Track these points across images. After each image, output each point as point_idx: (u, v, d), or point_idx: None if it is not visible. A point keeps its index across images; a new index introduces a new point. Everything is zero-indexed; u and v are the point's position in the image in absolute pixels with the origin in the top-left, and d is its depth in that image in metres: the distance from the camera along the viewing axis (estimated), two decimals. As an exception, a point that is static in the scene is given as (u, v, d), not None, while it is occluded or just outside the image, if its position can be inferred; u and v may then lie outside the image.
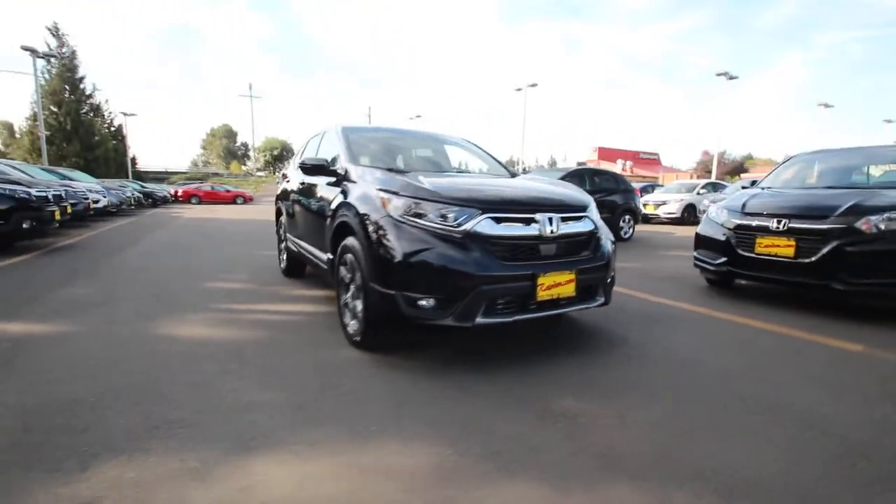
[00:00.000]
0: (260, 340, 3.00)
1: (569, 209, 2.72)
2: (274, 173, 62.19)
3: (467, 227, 2.39)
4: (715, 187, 15.14)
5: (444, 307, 2.34)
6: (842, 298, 3.70)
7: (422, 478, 1.59)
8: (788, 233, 3.71)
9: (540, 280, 2.44)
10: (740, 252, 4.02)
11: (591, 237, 2.81)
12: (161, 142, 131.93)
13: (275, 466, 1.63)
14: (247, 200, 29.85)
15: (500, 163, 4.09)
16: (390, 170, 3.07)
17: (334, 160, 3.46)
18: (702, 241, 4.51)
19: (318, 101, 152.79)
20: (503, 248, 2.43)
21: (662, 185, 18.51)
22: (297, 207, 4.28)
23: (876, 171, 4.45)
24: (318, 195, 3.56)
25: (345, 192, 3.02)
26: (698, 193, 14.56)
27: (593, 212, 2.92)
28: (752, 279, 4.16)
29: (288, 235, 4.78)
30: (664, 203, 14.38)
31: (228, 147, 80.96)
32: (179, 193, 28.22)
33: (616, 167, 42.08)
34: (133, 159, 43.21)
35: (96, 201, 11.70)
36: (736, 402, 2.17)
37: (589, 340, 3.05)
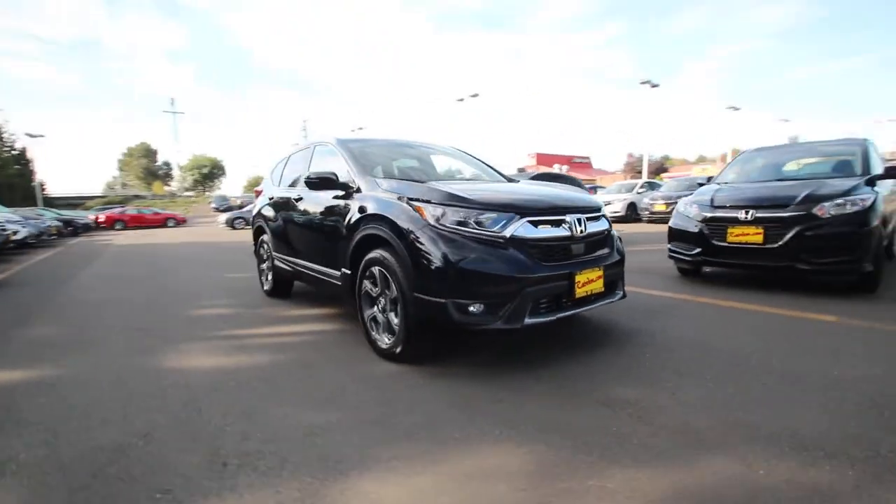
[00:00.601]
0: (282, 364, 2.88)
1: (590, 210, 2.88)
2: (204, 192, 58.52)
3: (509, 231, 2.47)
4: (651, 186, 16.38)
5: (494, 311, 2.39)
6: (804, 277, 4.18)
7: (529, 476, 1.63)
8: (756, 222, 4.15)
9: (577, 278, 2.57)
10: (713, 242, 4.43)
11: (608, 235, 3.00)
12: (70, 165, 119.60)
13: (381, 485, 1.60)
14: (179, 222, 27.90)
15: (496, 170, 4.22)
16: (412, 179, 3.08)
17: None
18: (675, 235, 4.90)
19: (247, 113, 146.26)
20: (541, 250, 2.53)
21: (604, 187, 19.70)
22: (291, 225, 4.14)
23: (807, 164, 5.09)
24: (325, 211, 3.47)
25: (363, 205, 2.99)
26: (638, 192, 15.67)
27: (605, 212, 3.11)
28: (725, 266, 4.59)
29: (275, 255, 4.58)
30: (609, 203, 15.32)
31: (148, 167, 75.13)
32: (102, 219, 25.77)
33: (553, 171, 43.97)
34: (41, 184, 38.91)
35: (15, 233, 10.44)
36: (762, 376, 2.41)
37: (605, 335, 3.22)
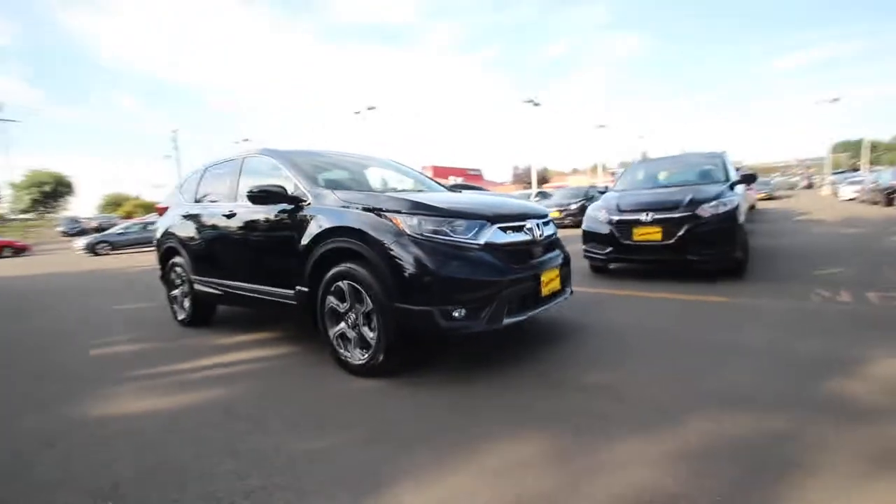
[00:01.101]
0: (243, 395, 2.63)
1: (542, 216, 3.14)
2: (47, 214, 49.11)
3: (483, 238, 2.59)
4: (544, 195, 17.91)
5: (476, 315, 2.48)
6: (692, 266, 4.98)
7: (548, 463, 1.75)
8: (655, 223, 4.86)
9: (542, 278, 2.79)
10: (622, 241, 5.07)
11: (557, 238, 3.29)
12: None
13: (420, 496, 1.59)
14: (20, 250, 23.08)
15: (433, 180, 4.34)
16: (371, 190, 3.05)
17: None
18: (589, 236, 5.49)
19: (103, 124, 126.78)
20: (510, 255, 2.70)
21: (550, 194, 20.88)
22: (220, 244, 3.78)
23: (683, 173, 6.10)
24: (271, 226, 3.24)
25: (322, 218, 2.88)
26: (533, 201, 17.04)
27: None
28: (632, 261, 5.26)
29: (195, 278, 4.12)
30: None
31: (-36, 185, 60.92)
32: None
33: (450, 183, 45.55)
34: None
35: None
36: (696, 351, 2.85)
37: (559, 330, 3.50)
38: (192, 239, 4.14)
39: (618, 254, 5.14)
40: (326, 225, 2.82)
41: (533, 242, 2.88)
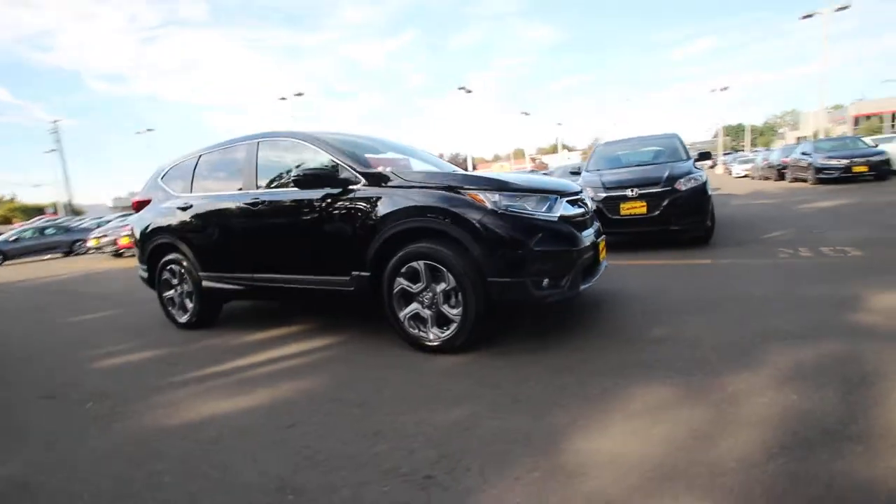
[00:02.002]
0: (324, 385, 2.56)
1: (579, 193, 3.35)
2: None
3: (559, 211, 2.73)
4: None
5: (558, 284, 2.63)
6: (675, 235, 5.53)
7: (692, 398, 1.96)
8: (640, 197, 5.33)
9: (600, 246, 3.00)
10: (611, 216, 5.48)
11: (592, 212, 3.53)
12: None
13: (596, 443, 1.72)
14: None
15: (444, 163, 4.39)
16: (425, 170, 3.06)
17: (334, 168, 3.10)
18: (576, 214, 5.86)
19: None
20: (576, 226, 2.87)
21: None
22: (247, 236, 3.52)
23: (651, 151, 6.70)
24: (319, 212, 3.09)
25: (389, 199, 2.82)
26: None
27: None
28: (621, 234, 5.71)
29: (204, 274, 3.80)
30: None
31: None
32: None
33: (377, 173, 44.80)
34: None
35: None
36: (731, 302, 3.24)
37: (586, 299, 3.76)
38: (198, 232, 3.80)
39: (608, 228, 5.51)
40: (399, 205, 2.78)
41: (587, 214, 3.08)
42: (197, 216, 3.81)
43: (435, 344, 2.76)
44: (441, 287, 2.70)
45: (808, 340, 2.43)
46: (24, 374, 3.33)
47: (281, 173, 3.47)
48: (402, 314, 2.86)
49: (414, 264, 2.76)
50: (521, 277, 2.53)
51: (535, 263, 2.54)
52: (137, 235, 4.35)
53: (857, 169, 11.55)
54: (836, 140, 15.01)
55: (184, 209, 3.91)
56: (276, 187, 3.44)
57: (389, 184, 2.91)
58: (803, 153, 13.58)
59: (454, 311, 2.69)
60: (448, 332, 2.72)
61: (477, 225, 2.57)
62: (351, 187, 3.00)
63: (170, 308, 4.18)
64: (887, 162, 11.44)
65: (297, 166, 3.34)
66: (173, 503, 1.63)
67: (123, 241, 12.17)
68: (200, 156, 4.04)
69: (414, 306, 2.83)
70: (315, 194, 3.12)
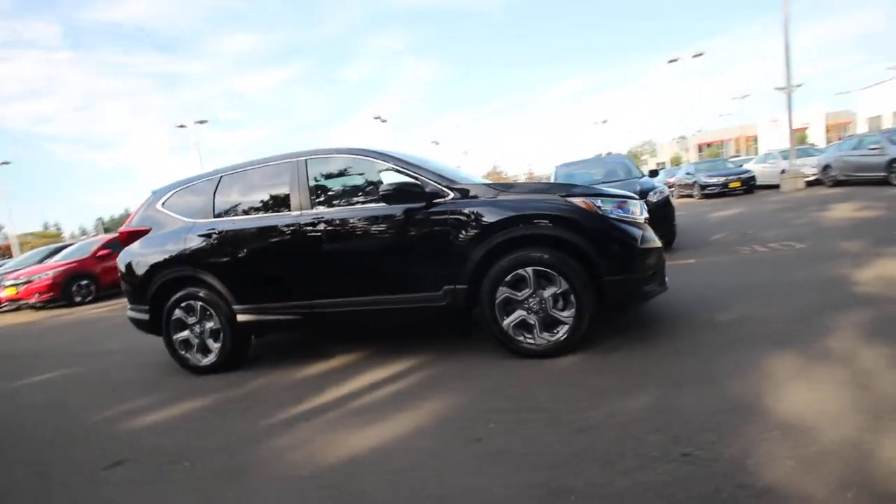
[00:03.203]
0: (459, 404, 2.48)
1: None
2: None
3: (643, 214, 3.01)
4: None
5: (655, 279, 2.89)
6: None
7: (817, 363, 2.30)
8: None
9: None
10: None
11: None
12: None
13: (796, 405, 1.95)
14: None
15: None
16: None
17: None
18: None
19: None
20: (651, 226, 3.18)
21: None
22: (306, 260, 3.24)
23: (610, 170, 7.49)
24: (404, 228, 3.00)
25: (490, 210, 2.85)
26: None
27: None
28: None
29: (240, 307, 3.39)
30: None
31: None
32: None
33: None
34: None
35: None
36: (747, 289, 3.79)
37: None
38: (232, 261, 3.40)
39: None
40: (503, 215, 2.83)
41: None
42: (230, 242, 3.41)
43: (544, 348, 2.82)
44: (550, 291, 2.79)
45: (846, 309, 2.96)
46: (57, 447, 2.64)
47: (345, 190, 3.32)
48: (504, 323, 2.88)
49: (521, 271, 2.81)
50: (635, 274, 2.74)
51: (644, 260, 2.78)
52: (134, 271, 3.72)
53: (732, 185, 14.02)
54: (710, 162, 18.13)
55: (208, 236, 3.47)
56: (339, 205, 3.27)
57: (483, 196, 2.95)
58: (687, 173, 16.15)
59: (565, 314, 2.79)
60: (559, 334, 2.81)
61: (592, 229, 2.74)
62: (438, 201, 2.99)
63: (184, 352, 3.61)
64: (753, 178, 14.09)
65: (370, 182, 3.23)
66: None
67: (8, 293, 9.97)
68: (221, 177, 3.65)
69: (519, 313, 2.86)
70: (397, 210, 3.03)
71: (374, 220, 3.12)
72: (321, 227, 3.19)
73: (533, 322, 2.85)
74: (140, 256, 3.69)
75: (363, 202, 3.22)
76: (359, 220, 3.15)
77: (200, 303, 3.50)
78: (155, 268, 3.61)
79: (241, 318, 3.42)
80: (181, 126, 22.60)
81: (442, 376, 2.85)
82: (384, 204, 3.05)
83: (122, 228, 3.94)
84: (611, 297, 2.76)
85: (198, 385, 3.33)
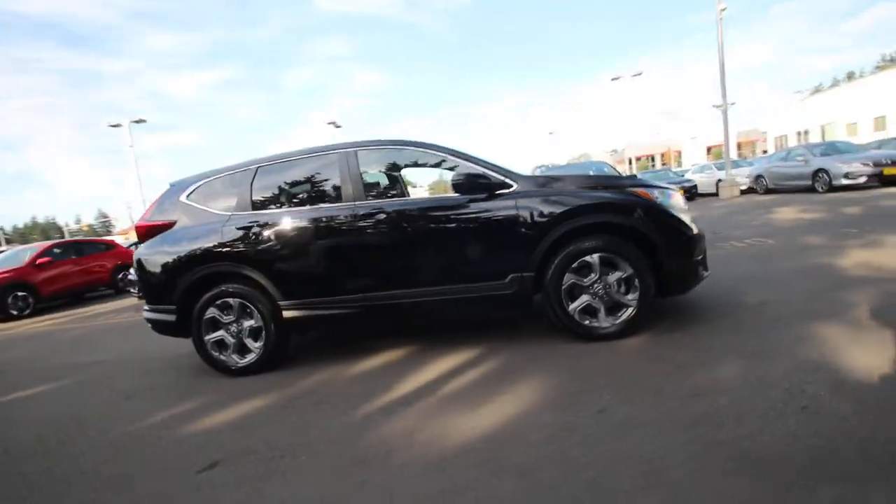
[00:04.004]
0: (565, 389, 2.56)
1: None
2: None
3: (685, 204, 3.28)
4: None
5: (704, 265, 3.15)
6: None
7: (856, 331, 2.64)
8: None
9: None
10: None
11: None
12: None
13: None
14: None
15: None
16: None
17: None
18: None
19: None
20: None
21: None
22: (366, 251, 3.18)
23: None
24: (471, 218, 3.05)
25: (557, 200, 2.98)
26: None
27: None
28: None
29: (291, 303, 3.25)
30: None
31: None
32: None
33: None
34: None
35: None
36: (754, 275, 4.20)
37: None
38: (280, 254, 3.26)
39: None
40: (571, 204, 2.96)
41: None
42: (277, 235, 3.26)
43: (611, 330, 2.98)
44: (614, 276, 2.96)
45: (851, 288, 3.40)
46: (117, 461, 2.37)
47: (400, 181, 3.31)
48: (571, 308, 3.01)
49: (587, 258, 2.96)
50: (692, 258, 2.98)
51: (698, 245, 3.03)
52: (157, 269, 3.43)
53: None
54: (655, 172, 19.65)
55: (249, 228, 3.30)
56: (395, 196, 3.25)
57: (544, 187, 3.08)
58: (636, 182, 17.43)
59: (629, 297, 2.97)
60: (624, 317, 2.98)
61: (654, 217, 2.94)
62: (502, 191, 3.07)
63: (217, 353, 3.38)
64: (695, 187, 15.48)
65: (427, 173, 3.24)
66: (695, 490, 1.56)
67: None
68: (258, 168, 3.48)
69: (584, 299, 3.00)
70: (462, 200, 3.08)
71: (437, 210, 3.14)
72: (380, 217, 3.15)
73: (598, 306, 3.00)
74: (166, 252, 3.42)
75: (423, 193, 3.23)
76: (420, 210, 3.16)
77: (239, 300, 3.31)
78: (186, 264, 3.36)
79: (287, 314, 3.28)
80: (115, 125, 20.73)
81: (513, 363, 2.90)
82: (450, 194, 3.09)
83: (141, 222, 3.62)
84: (673, 282, 2.98)
85: (240, 386, 3.14)
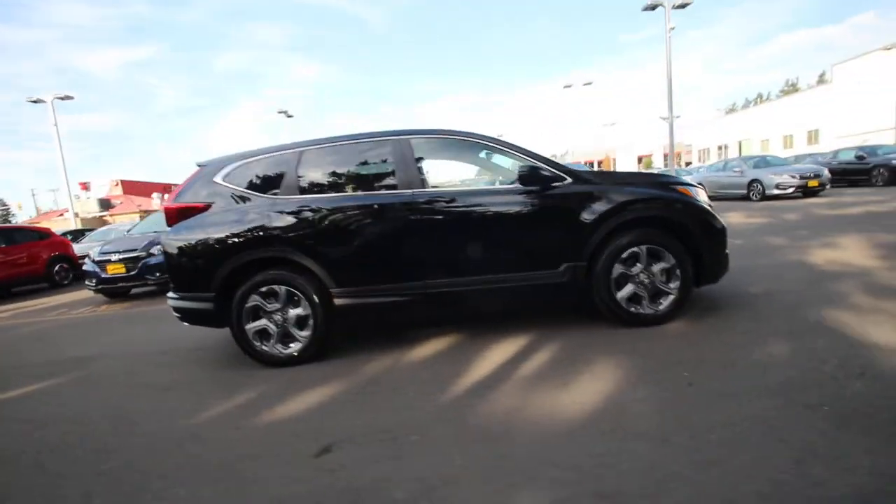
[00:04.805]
0: (647, 369, 2.76)
1: None
2: None
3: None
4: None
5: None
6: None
7: (859, 314, 3.09)
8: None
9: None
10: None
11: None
12: None
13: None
14: None
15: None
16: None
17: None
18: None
19: None
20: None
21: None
22: (426, 240, 3.21)
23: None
24: (534, 208, 3.18)
25: (610, 193, 3.18)
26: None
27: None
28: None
29: (343, 290, 3.19)
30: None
31: None
32: None
33: (154, 202, 37.61)
34: None
35: None
36: (733, 274, 4.70)
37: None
38: (335, 240, 3.19)
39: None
40: (623, 198, 3.17)
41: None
42: (331, 221, 3.19)
43: (654, 317, 3.24)
44: (659, 266, 3.22)
45: (838, 279, 3.92)
46: (205, 458, 2.20)
47: (456, 170, 3.35)
48: (619, 295, 3.23)
49: (635, 249, 3.20)
50: (724, 250, 3.31)
51: (726, 238, 3.36)
52: (194, 254, 3.22)
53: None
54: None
55: (298, 213, 3.20)
56: (451, 185, 3.30)
57: (596, 182, 3.28)
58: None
59: (671, 286, 3.24)
60: (665, 304, 3.24)
61: (693, 212, 3.23)
62: (557, 184, 3.23)
63: (259, 343, 3.24)
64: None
65: (479, 164, 3.31)
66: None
67: None
68: (303, 151, 3.37)
69: (630, 288, 3.24)
70: (520, 191, 3.20)
71: (497, 199, 3.23)
72: (440, 205, 3.19)
73: (642, 294, 3.24)
74: (204, 236, 3.22)
75: (480, 182, 3.31)
76: (480, 199, 3.23)
77: (286, 287, 3.20)
78: (229, 249, 3.18)
79: (338, 301, 3.21)
80: (36, 101, 18.40)
81: (570, 348, 3.05)
82: (512, 185, 3.19)
83: (169, 203, 3.36)
84: (709, 271, 3.29)
85: (287, 377, 3.04)
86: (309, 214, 3.20)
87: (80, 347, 4.50)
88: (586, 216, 3.18)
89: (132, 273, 7.14)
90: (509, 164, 3.56)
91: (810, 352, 2.52)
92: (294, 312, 3.23)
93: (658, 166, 38.47)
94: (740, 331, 3.00)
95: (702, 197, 3.41)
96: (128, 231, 9.03)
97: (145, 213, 31.33)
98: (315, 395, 2.70)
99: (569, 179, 3.25)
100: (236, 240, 3.19)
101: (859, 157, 13.91)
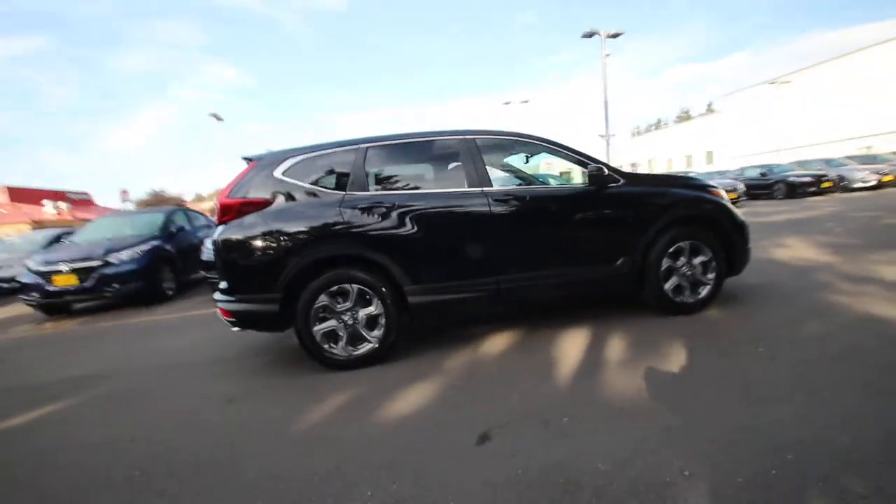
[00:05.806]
0: (717, 344, 3.04)
1: None
2: None
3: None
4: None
5: (748, 250, 3.99)
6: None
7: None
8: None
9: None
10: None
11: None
12: None
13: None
14: None
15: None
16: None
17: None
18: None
19: None
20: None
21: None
22: (501, 235, 3.29)
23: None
24: (598, 206, 3.42)
25: (657, 194, 3.52)
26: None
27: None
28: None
29: (418, 287, 3.16)
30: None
31: None
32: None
33: (45, 210, 33.10)
34: None
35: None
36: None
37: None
38: (413, 237, 3.16)
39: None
40: (671, 199, 3.51)
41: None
42: (407, 218, 3.15)
43: (693, 305, 3.60)
44: (699, 259, 3.60)
45: (814, 273, 4.61)
46: (351, 462, 2.05)
47: (521, 169, 3.48)
48: (666, 287, 3.55)
49: (681, 244, 3.55)
50: (748, 244, 3.77)
51: (749, 234, 3.83)
52: (258, 252, 3.00)
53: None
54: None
55: (370, 210, 3.13)
56: (517, 184, 3.43)
57: (645, 184, 3.59)
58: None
59: (709, 276, 3.63)
60: (704, 293, 3.63)
61: (724, 212, 3.66)
62: (612, 185, 3.49)
63: (327, 345, 3.09)
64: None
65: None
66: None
67: None
68: (368, 147, 3.31)
69: (674, 279, 3.58)
70: (583, 190, 3.42)
71: (564, 198, 3.42)
72: (513, 203, 3.30)
73: (685, 284, 3.60)
74: (269, 233, 3.02)
75: (547, 182, 3.47)
76: (548, 197, 3.40)
77: (358, 286, 3.10)
78: (297, 247, 3.02)
79: (413, 299, 3.18)
80: None
81: (630, 335, 3.27)
82: (579, 183, 3.39)
83: (225, 198, 3.10)
84: (737, 264, 3.73)
85: (365, 378, 2.95)
86: (384, 211, 3.14)
87: (68, 368, 3.90)
88: (641, 215, 3.47)
89: (87, 285, 6.28)
90: (567, 166, 3.77)
91: (843, 328, 2.99)
92: (364, 312, 3.14)
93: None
94: (771, 314, 3.44)
95: (727, 197, 3.88)
96: (70, 239, 7.89)
97: (37, 224, 27.40)
98: (420, 392, 2.66)
99: (622, 181, 3.53)
100: (306, 236, 3.04)
101: (763, 174, 16.20)
